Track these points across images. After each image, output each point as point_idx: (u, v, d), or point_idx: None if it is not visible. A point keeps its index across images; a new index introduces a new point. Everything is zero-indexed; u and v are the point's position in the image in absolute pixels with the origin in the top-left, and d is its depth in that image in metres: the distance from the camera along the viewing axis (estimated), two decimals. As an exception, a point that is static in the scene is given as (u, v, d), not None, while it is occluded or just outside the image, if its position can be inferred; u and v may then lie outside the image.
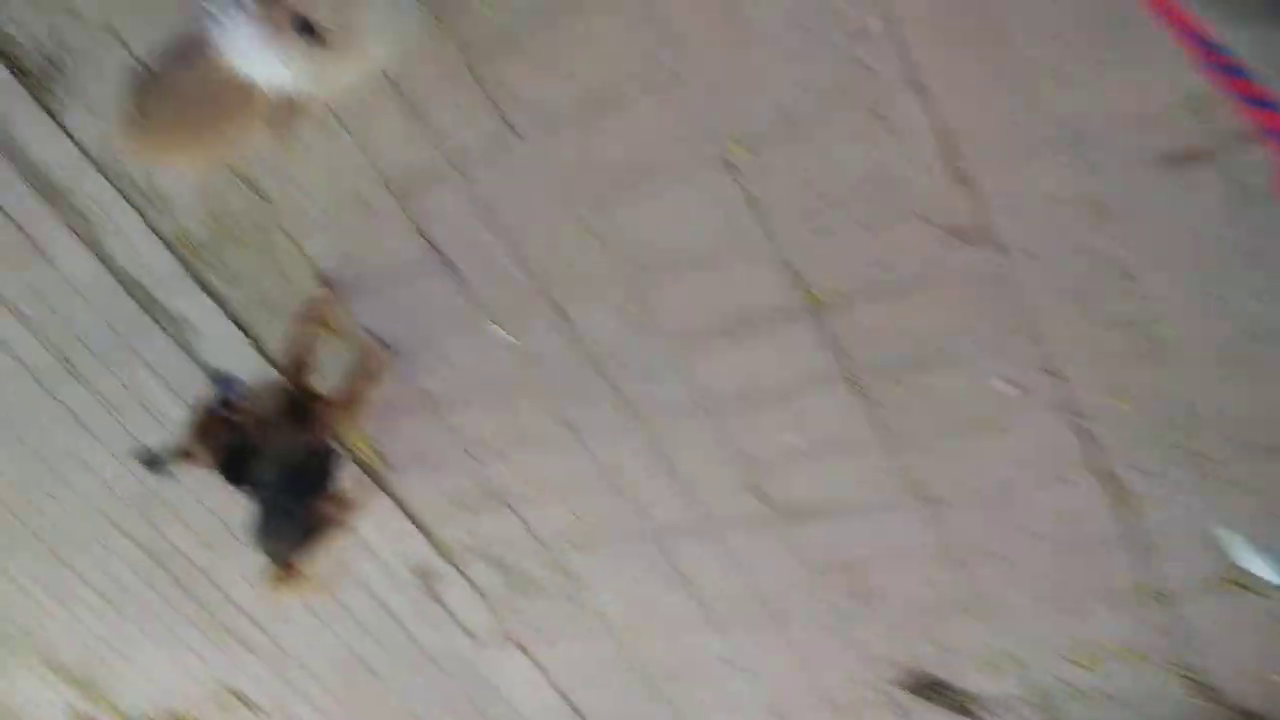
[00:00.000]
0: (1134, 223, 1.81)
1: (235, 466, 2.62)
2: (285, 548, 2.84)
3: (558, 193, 2.28)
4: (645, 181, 2.16)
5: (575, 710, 3.84)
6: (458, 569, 3.53)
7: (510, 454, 3.00)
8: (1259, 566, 2.15)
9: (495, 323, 2.63)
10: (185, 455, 2.57)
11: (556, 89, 2.10)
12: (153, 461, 2.61)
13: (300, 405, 2.67)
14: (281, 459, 2.65)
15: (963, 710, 2.92)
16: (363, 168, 2.45)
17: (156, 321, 3.28)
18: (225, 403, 2.58)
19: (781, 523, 2.72)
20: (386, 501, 3.38)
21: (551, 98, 2.12)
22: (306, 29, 1.57)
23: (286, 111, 1.72)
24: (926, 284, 2.07)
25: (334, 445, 2.87)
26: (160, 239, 3.00)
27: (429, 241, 2.53)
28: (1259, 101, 1.04)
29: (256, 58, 1.60)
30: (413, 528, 3.45)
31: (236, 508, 3.14)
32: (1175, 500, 2.18)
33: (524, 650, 3.71)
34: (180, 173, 2.72)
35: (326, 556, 2.93)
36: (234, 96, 1.76)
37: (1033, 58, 1.69)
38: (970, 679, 2.85)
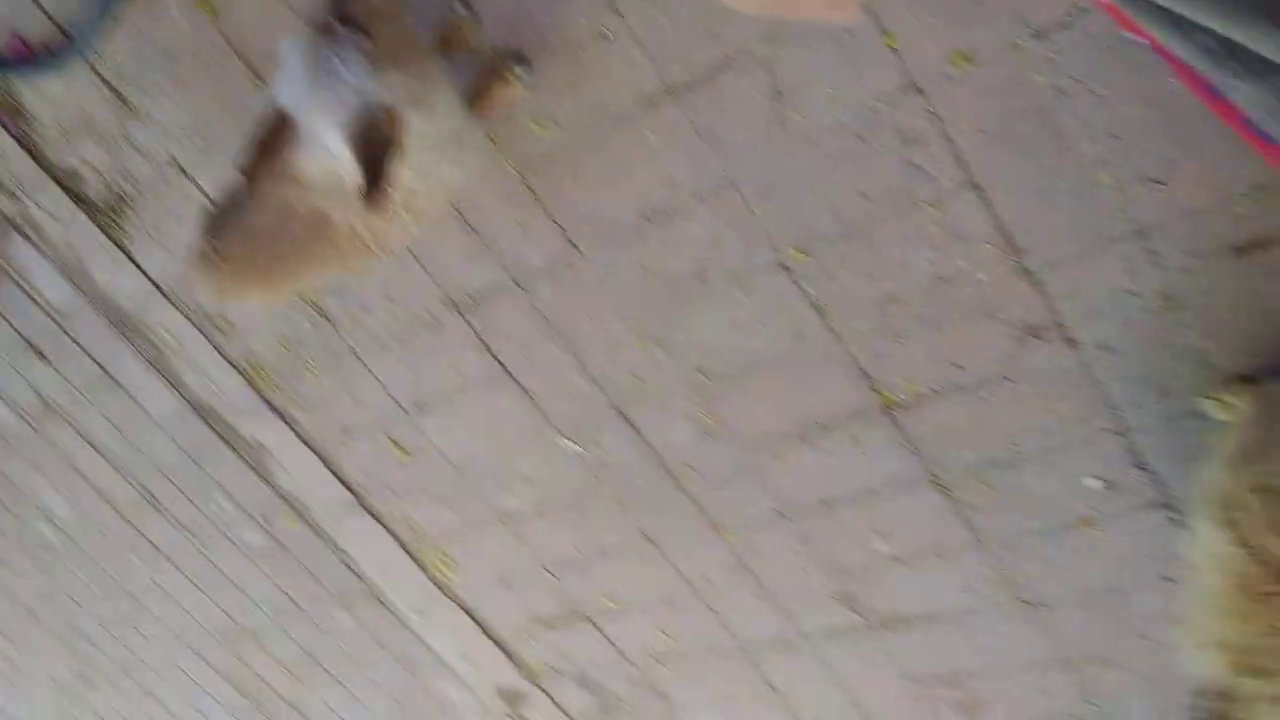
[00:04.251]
0: (1207, 312, 1.88)
1: None
2: None
3: (619, 304, 2.45)
4: (706, 290, 2.32)
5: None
6: (544, 691, 3.64)
7: (591, 569, 3.13)
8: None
9: (565, 436, 2.79)
10: None
11: (613, 203, 2.28)
12: None
13: None
14: None
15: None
16: (429, 289, 2.66)
17: (233, 448, 3.53)
18: None
19: (878, 633, 2.78)
20: (467, 621, 3.53)
21: (608, 212, 2.31)
22: (354, 25, 1.62)
23: (361, 244, 1.86)
24: (1003, 382, 2.16)
25: None
26: (233, 366, 3.26)
27: (495, 358, 2.71)
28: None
29: (319, 97, 1.65)
30: (496, 650, 3.59)
31: (321, 637, 3.30)
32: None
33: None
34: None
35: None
36: (310, 231, 1.91)
37: (1090, 155, 1.80)
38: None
